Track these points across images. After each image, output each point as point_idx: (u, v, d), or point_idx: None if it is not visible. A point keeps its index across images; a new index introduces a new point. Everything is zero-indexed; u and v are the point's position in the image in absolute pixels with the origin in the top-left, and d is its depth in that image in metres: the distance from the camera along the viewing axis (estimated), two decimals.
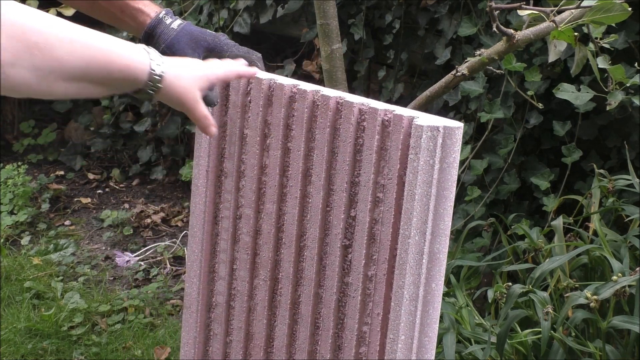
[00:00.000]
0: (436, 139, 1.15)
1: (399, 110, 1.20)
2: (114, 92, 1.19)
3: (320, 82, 2.30)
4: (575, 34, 1.76)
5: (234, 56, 1.40)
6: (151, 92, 1.17)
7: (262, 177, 1.37)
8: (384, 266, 1.24)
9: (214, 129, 1.28)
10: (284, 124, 1.32)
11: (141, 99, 1.20)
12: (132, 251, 3.55)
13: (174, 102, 1.23)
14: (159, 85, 1.18)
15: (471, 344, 2.11)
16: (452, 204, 1.18)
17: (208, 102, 1.39)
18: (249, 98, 1.36)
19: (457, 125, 1.15)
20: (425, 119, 1.17)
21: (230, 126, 1.40)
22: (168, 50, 1.40)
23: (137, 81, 1.16)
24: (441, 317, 1.63)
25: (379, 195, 1.23)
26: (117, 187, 4.12)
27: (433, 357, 1.26)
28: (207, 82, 1.27)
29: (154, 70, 1.16)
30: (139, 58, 1.15)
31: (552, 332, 1.99)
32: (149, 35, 1.42)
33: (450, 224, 1.18)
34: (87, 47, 1.09)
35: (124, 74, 1.14)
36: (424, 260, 1.19)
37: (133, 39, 1.46)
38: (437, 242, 1.19)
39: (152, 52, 1.18)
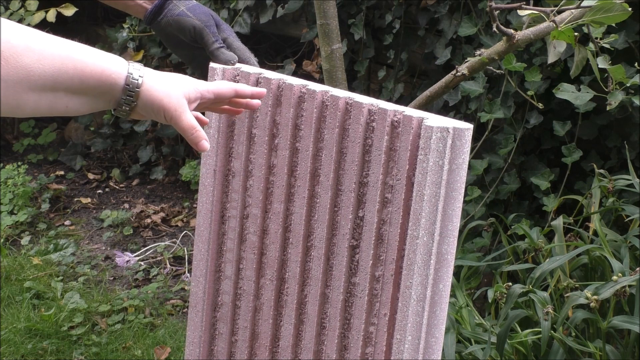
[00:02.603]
0: (446, 140, 1.15)
1: (408, 111, 1.20)
2: (92, 107, 1.09)
3: (320, 82, 2.30)
4: (575, 34, 1.77)
5: (234, 49, 1.41)
6: (130, 97, 1.08)
7: (270, 176, 1.38)
8: (391, 267, 1.25)
9: (205, 144, 1.13)
10: (293, 124, 1.33)
11: (120, 116, 1.11)
12: (132, 251, 3.55)
13: (155, 109, 1.11)
14: (138, 89, 1.08)
15: (471, 344, 2.12)
16: (461, 205, 1.19)
17: (223, 60, 1.38)
18: None
19: (467, 127, 1.16)
20: (435, 120, 1.18)
21: (238, 125, 1.40)
22: (184, 15, 1.40)
23: (114, 86, 1.07)
24: None
25: (387, 196, 1.24)
26: (117, 187, 4.12)
27: (439, 358, 1.27)
28: (195, 91, 1.15)
29: (132, 74, 1.08)
30: (116, 63, 1.08)
31: (552, 332, 2.00)
32: (158, 9, 1.43)
33: (458, 225, 1.19)
34: (57, 54, 1.02)
35: (98, 79, 1.06)
36: (431, 261, 1.20)
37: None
38: (445, 243, 1.19)
39: (132, 62, 1.10)
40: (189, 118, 1.12)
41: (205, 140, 1.13)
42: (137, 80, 1.08)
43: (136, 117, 1.14)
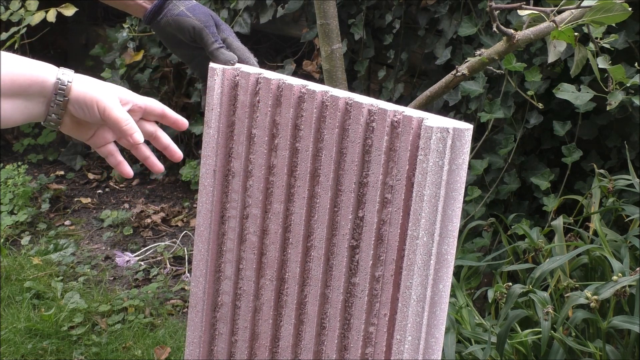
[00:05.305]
0: (446, 140, 1.15)
1: (408, 111, 1.20)
2: (24, 111, 1.12)
3: (320, 82, 2.31)
4: (576, 34, 1.77)
5: (233, 49, 1.42)
6: (61, 92, 1.11)
7: (270, 177, 1.37)
8: (391, 267, 1.25)
9: (139, 136, 1.15)
10: (293, 124, 1.33)
11: (49, 126, 1.13)
12: (132, 251, 3.55)
13: (87, 102, 1.13)
14: (69, 83, 1.11)
15: (471, 344, 2.12)
16: (461, 205, 1.19)
17: (223, 60, 1.39)
18: (258, 98, 1.37)
19: (467, 127, 1.16)
20: (435, 120, 1.18)
21: (238, 126, 1.40)
22: (183, 15, 1.41)
23: (45, 84, 1.11)
24: None
25: (387, 196, 1.24)
26: (117, 187, 4.12)
27: (439, 358, 1.27)
28: (127, 95, 1.18)
29: (60, 79, 1.11)
30: (47, 67, 1.12)
31: (552, 332, 2.00)
32: (158, 8, 1.43)
33: (458, 225, 1.19)
34: None
35: (29, 78, 1.10)
36: (431, 262, 1.20)
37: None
38: (445, 243, 1.19)
39: (63, 69, 1.13)
40: (119, 109, 1.14)
41: (139, 132, 1.15)
42: (66, 83, 1.12)
43: (65, 128, 1.15)
